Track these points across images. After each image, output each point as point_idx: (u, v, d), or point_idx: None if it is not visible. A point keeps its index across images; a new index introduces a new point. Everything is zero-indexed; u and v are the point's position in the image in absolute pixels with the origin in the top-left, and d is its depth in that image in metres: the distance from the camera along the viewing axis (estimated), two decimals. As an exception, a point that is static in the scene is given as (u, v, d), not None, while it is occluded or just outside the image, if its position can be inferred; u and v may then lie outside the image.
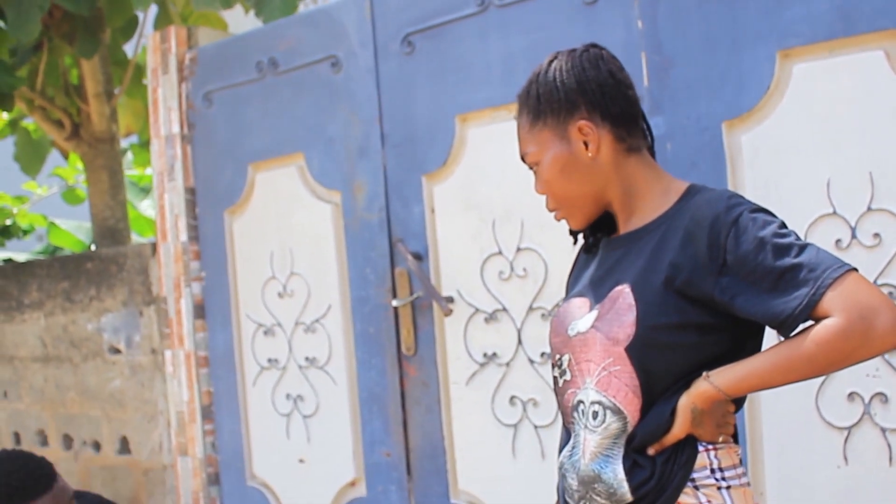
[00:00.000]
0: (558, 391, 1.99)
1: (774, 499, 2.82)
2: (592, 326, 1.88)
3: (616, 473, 1.84)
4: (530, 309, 3.28)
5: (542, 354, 3.26)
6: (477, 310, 3.41)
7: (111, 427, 5.06)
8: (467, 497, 3.52)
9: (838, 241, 2.69)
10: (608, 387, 1.85)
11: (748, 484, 1.89)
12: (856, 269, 1.72)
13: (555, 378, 2.00)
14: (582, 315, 1.93)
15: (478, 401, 3.44)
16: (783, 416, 2.81)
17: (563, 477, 1.97)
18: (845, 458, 2.71)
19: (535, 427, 3.30)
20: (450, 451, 3.53)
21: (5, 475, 2.43)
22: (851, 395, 2.70)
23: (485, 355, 3.41)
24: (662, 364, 1.82)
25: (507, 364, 3.35)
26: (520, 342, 3.32)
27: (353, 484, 3.83)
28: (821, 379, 2.71)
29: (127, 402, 4.92)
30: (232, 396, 4.21)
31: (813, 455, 2.77)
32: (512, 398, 3.35)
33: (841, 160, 2.69)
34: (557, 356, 1.98)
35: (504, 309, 3.34)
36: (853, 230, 2.67)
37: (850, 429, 2.71)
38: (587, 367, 1.89)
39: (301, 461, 3.99)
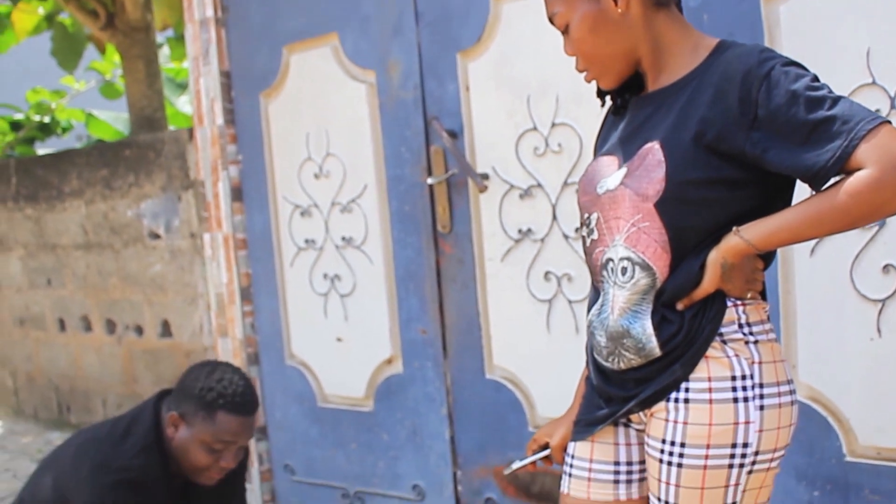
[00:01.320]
0: (587, 251, 2.00)
1: (807, 372, 2.83)
2: (621, 183, 1.88)
3: (645, 328, 1.85)
4: (565, 184, 3.28)
5: (577, 229, 3.27)
6: (512, 186, 3.41)
7: (153, 311, 5.15)
8: (502, 373, 3.57)
9: (877, 110, 2.65)
10: (637, 243, 1.86)
11: (775, 340, 1.91)
12: (889, 122, 1.70)
13: (583, 238, 2.01)
14: (611, 173, 1.93)
15: (512, 277, 3.46)
16: (817, 289, 2.81)
17: (591, 335, 1.99)
18: (878, 331, 2.71)
19: (570, 302, 3.32)
20: (485, 327, 3.57)
21: (249, 386, 2.48)
22: (886, 268, 2.68)
23: (519, 231, 3.42)
24: (692, 220, 1.83)
25: (542, 240, 3.37)
26: (554, 218, 3.32)
27: (389, 361, 3.89)
28: (854, 251, 2.70)
29: (167, 286, 5.00)
30: (270, 278, 4.26)
31: (846, 328, 2.76)
32: (546, 274, 3.37)
33: (881, 29, 2.64)
34: (586, 215, 1.98)
35: (539, 185, 3.34)
36: (892, 100, 2.63)
37: (884, 301, 2.69)
38: (616, 224, 1.89)
39: (338, 340, 4.05)
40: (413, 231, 3.72)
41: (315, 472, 4.25)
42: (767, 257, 1.90)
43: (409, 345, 3.81)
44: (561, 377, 3.32)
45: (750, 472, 1.84)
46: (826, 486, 2.83)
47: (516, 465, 2.27)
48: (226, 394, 2.41)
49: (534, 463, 2.28)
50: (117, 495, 2.39)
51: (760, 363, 1.84)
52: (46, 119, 10.22)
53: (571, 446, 2.07)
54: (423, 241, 3.69)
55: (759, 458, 1.84)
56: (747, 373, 1.83)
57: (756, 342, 1.85)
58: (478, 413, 3.65)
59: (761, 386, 1.83)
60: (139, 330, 5.33)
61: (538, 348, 3.44)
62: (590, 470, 2.02)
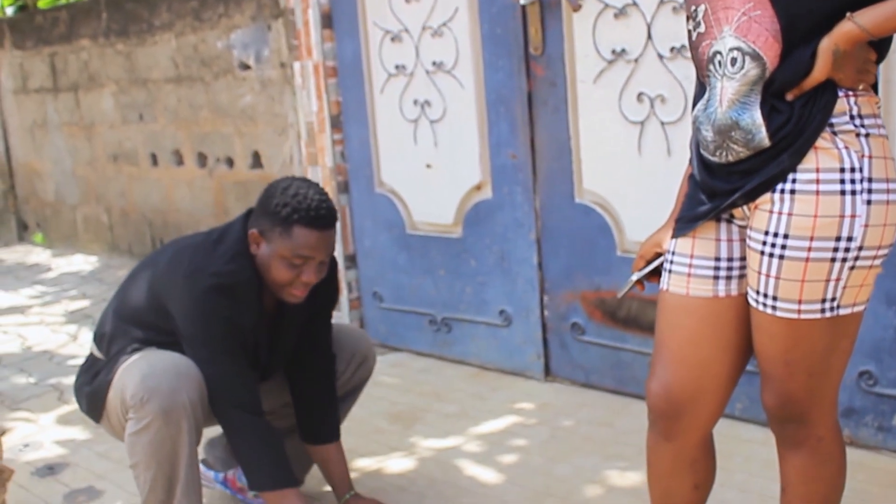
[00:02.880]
0: (692, 45, 1.96)
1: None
2: None
3: (754, 119, 1.83)
4: (661, 3, 3.20)
5: (672, 49, 3.20)
6: (606, 5, 3.34)
7: (243, 143, 5.21)
8: (592, 197, 3.56)
9: None
10: (748, 32, 1.82)
11: (886, 136, 1.87)
12: None
13: (689, 32, 1.97)
14: None
15: (605, 99, 3.43)
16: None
17: (697, 130, 1.97)
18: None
19: (662, 124, 3.28)
20: (575, 151, 3.55)
21: (326, 200, 2.50)
22: None
23: (613, 52, 3.36)
24: (805, 6, 1.77)
25: (636, 60, 3.31)
26: (649, 37, 3.26)
27: (478, 187, 3.91)
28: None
29: (258, 117, 5.04)
30: (360, 105, 4.27)
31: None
32: (639, 95, 3.32)
33: None
34: (693, 7, 1.94)
35: (634, 3, 3.27)
36: None
37: None
38: (725, 14, 1.85)
39: (428, 167, 4.07)
40: (504, 54, 3.68)
41: (403, 299, 4.32)
42: (881, 49, 1.85)
43: (498, 170, 3.81)
44: (651, 201, 3.34)
45: (852, 268, 1.82)
46: (921, 306, 2.81)
47: (636, 275, 2.26)
48: (300, 208, 2.42)
49: (641, 282, 2.26)
50: (212, 299, 2.47)
51: (870, 157, 1.81)
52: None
53: (672, 243, 2.07)
54: (514, 64, 3.65)
55: (863, 253, 1.82)
56: (856, 166, 1.79)
57: (867, 135, 1.81)
58: (566, 238, 3.66)
59: (870, 181, 1.80)
60: (230, 162, 5.40)
61: (629, 172, 3.43)
62: (690, 266, 2.02)
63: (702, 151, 1.96)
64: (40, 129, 7.20)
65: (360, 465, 3.27)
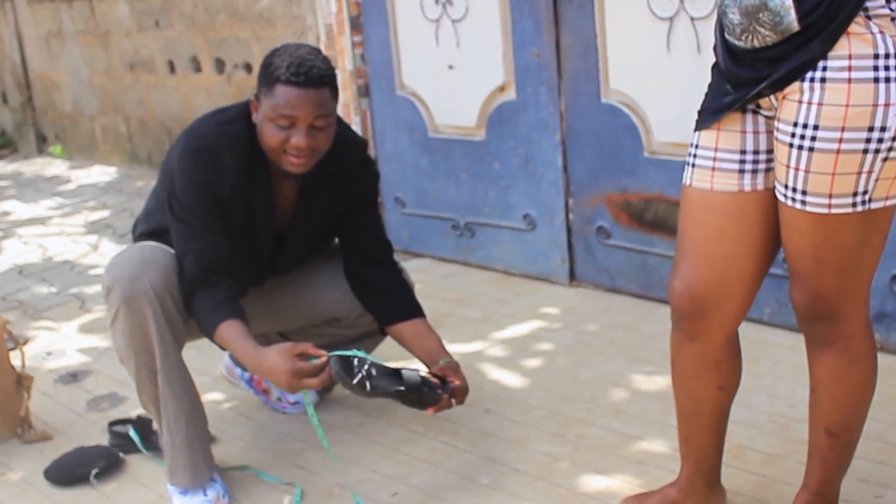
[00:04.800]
0: None
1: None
2: None
3: (783, 0, 1.73)
4: None
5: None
6: None
7: (261, 47, 5.12)
8: (619, 97, 3.47)
9: None
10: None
11: (925, 21, 1.77)
12: None
13: None
14: None
15: (632, -6, 3.32)
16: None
17: (723, 13, 1.87)
18: None
19: (692, 19, 3.17)
20: (602, 49, 3.45)
21: (315, 59, 2.40)
22: None
23: (641, -56, 3.25)
24: None
25: (665, -48, 3.20)
26: (679, -72, 3.14)
27: (502, 89, 3.82)
28: None
29: (276, 21, 4.94)
30: (380, 5, 4.16)
31: None
32: (668, -11, 3.22)
33: None
34: None
35: None
36: None
37: None
38: None
39: (450, 68, 3.97)
40: (528, -51, 3.56)
41: (425, 203, 4.27)
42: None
43: (522, 70, 3.71)
44: (680, 100, 3.24)
45: (885, 160, 1.74)
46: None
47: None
48: (282, 65, 2.33)
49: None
50: (195, 159, 2.42)
51: (906, 42, 1.72)
52: None
53: (696, 136, 1.99)
54: (538, -41, 3.53)
55: (897, 144, 1.74)
56: (892, 51, 1.70)
57: (904, 20, 1.72)
58: (592, 139, 3.58)
59: (905, 68, 1.71)
60: (248, 67, 5.32)
61: (657, 70, 3.32)
62: (714, 159, 1.95)
63: (727, 36, 1.87)
64: (56, 38, 7.11)
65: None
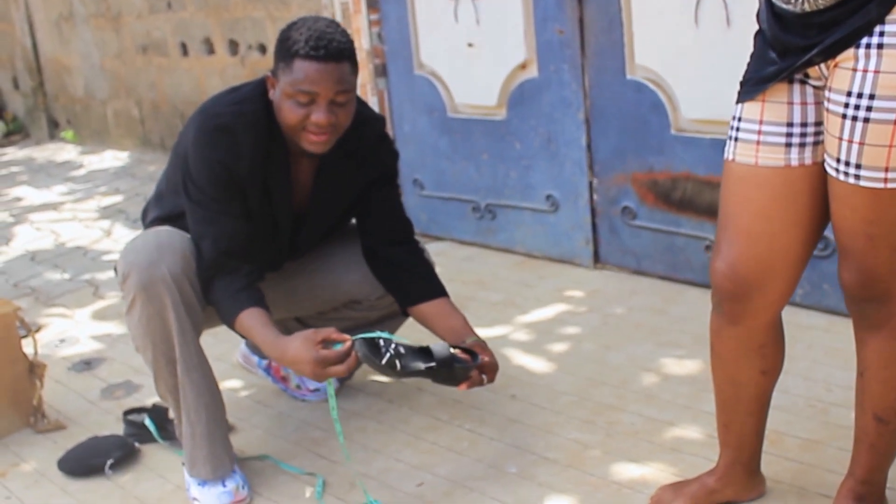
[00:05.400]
0: None
1: None
2: None
3: None
4: None
5: None
6: None
7: (275, 28, 5.05)
8: (644, 73, 3.37)
9: None
10: None
11: None
12: None
13: None
14: None
15: (659, -35, 3.21)
16: None
17: None
18: None
19: (722, -9, 3.08)
20: (626, 23, 3.35)
21: (334, 33, 2.28)
22: None
23: (668, -86, 3.14)
24: None
25: (693, -78, 3.09)
26: None
27: (523, 66, 3.72)
28: None
29: (290, 0, 4.85)
30: (396, -18, 4.07)
31: None
32: (697, -40, 3.11)
33: None
34: None
35: None
36: None
37: None
38: None
39: (470, 46, 3.88)
40: (550, -79, 3.46)
41: (445, 185, 4.18)
42: None
43: (544, 47, 3.61)
44: (708, 75, 3.16)
45: (946, 130, 1.65)
46: None
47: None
48: (300, 39, 2.24)
49: None
50: (210, 138, 2.33)
51: (973, 5, 1.61)
52: None
53: (738, 108, 1.89)
54: (560, -69, 3.43)
55: (962, 114, 1.64)
56: (955, 15, 1.60)
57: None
58: (617, 117, 3.49)
59: (971, 32, 1.61)
60: (262, 49, 5.23)
61: (684, 45, 3.22)
62: (759, 133, 1.85)
63: (774, 0, 1.77)
64: (67, 22, 7.04)
65: (405, 355, 3.17)
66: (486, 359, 2.34)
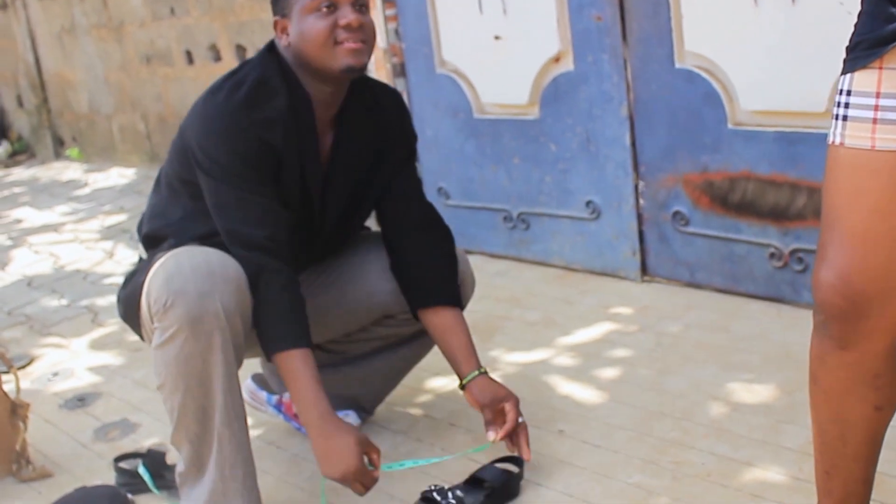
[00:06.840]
0: None
1: None
2: None
3: None
4: None
5: None
6: None
7: (285, 29, 4.74)
8: (696, 61, 3.07)
9: None
10: None
11: None
12: None
13: None
14: None
15: (712, -62, 2.90)
16: None
17: None
18: None
19: (786, -37, 2.75)
20: (674, 5, 3.05)
21: None
22: None
23: None
24: None
25: None
26: None
27: (557, 59, 3.44)
28: None
29: (299, -2, 4.56)
30: (413, -28, 3.79)
31: None
32: (756, -71, 2.78)
33: None
34: None
35: None
36: None
37: None
38: None
39: (497, 39, 3.60)
40: None
41: (472, 194, 3.91)
42: None
43: (580, 36, 3.33)
44: (768, 61, 2.87)
45: None
46: None
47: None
48: None
49: None
50: (228, 109, 2.10)
51: None
52: None
53: (845, 79, 1.53)
54: None
55: None
56: None
57: None
58: (665, 111, 3.20)
59: None
60: (271, 53, 4.95)
61: (740, 27, 2.92)
62: (876, 108, 1.48)
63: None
64: (68, 34, 6.84)
65: (435, 385, 2.85)
66: (522, 441, 2.23)
